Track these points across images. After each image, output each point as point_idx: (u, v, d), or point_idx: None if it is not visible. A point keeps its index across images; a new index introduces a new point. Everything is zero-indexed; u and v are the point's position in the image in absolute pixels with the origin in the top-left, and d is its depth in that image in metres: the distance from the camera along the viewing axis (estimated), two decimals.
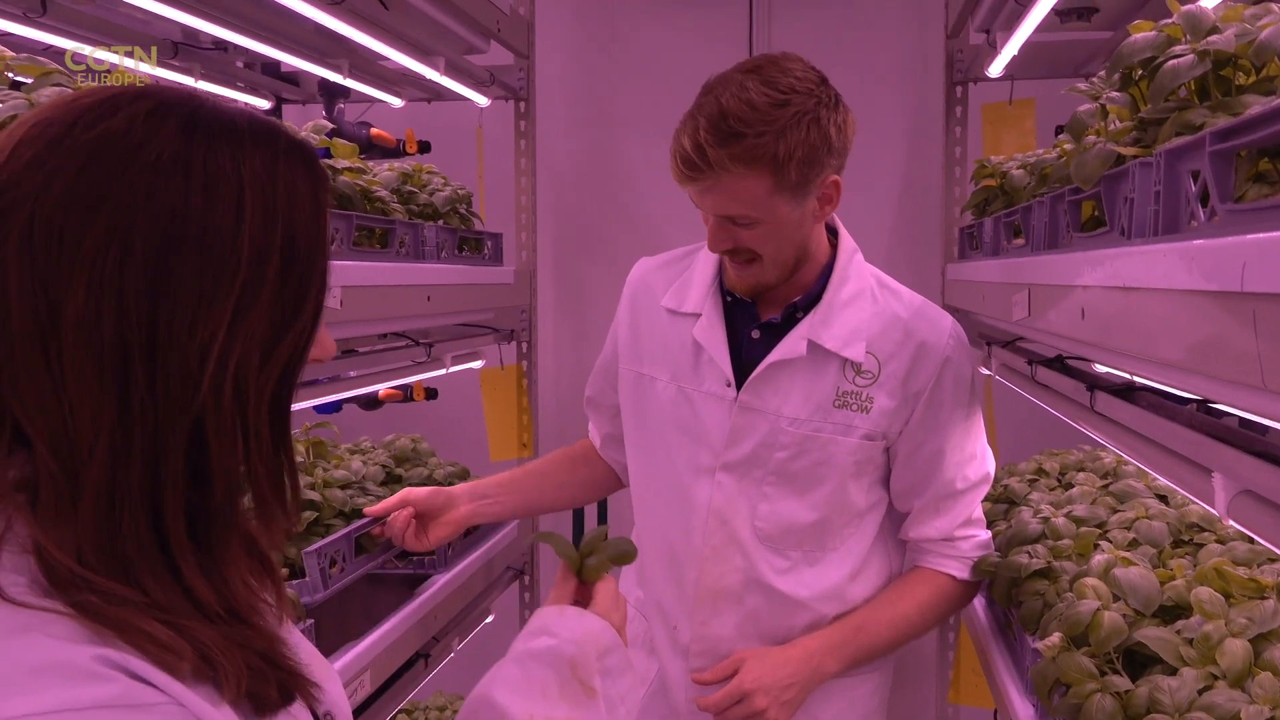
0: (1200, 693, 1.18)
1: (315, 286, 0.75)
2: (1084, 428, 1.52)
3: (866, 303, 1.58)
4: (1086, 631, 1.32)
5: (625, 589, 1.78)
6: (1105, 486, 1.89)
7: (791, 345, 1.55)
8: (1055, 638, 1.33)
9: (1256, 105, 0.95)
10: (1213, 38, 1.06)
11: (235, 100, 2.49)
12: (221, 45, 2.50)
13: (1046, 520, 1.70)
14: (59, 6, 1.97)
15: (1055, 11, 2.00)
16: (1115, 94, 1.29)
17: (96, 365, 0.66)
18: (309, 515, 1.76)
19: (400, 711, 2.75)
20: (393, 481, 2.13)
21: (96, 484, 0.66)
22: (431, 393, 3.13)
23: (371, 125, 2.95)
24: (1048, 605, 1.49)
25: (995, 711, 1.87)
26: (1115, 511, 1.73)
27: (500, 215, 3.03)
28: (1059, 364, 1.73)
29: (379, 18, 2.18)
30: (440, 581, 2.09)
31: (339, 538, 1.67)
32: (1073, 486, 1.94)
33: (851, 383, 1.56)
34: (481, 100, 2.96)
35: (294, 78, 3.00)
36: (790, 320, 1.58)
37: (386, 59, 2.46)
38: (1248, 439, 1.01)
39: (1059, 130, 2.47)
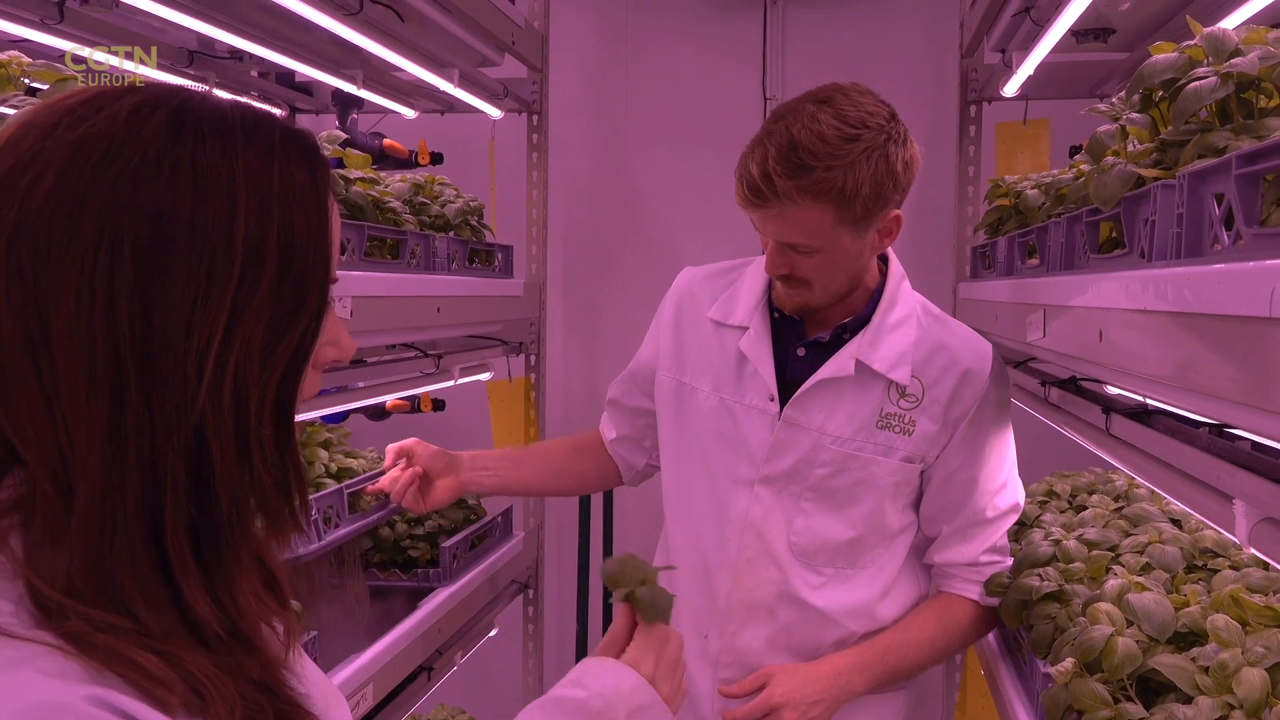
0: None
1: (317, 285, 0.71)
2: (1100, 451, 1.51)
3: (913, 328, 1.59)
4: (1100, 657, 1.30)
5: None
6: (1118, 509, 1.87)
7: (840, 364, 1.56)
8: (1068, 663, 1.31)
9: None
10: (1236, 60, 1.06)
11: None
12: (237, 54, 2.51)
13: (1058, 543, 1.68)
14: (76, 14, 1.97)
15: (1072, 32, 2.00)
16: (1135, 115, 1.28)
17: (89, 375, 0.64)
18: None
19: None
20: None
21: (89, 500, 0.64)
22: (439, 404, 3.11)
23: (384, 136, 2.95)
24: (1059, 629, 1.47)
25: None
26: (1128, 535, 1.71)
27: (511, 227, 3.03)
28: (1072, 385, 1.72)
29: (395, 29, 2.19)
30: (444, 594, 2.09)
31: (331, 492, 1.67)
32: (1084, 509, 1.92)
33: (895, 405, 1.57)
34: (494, 112, 2.96)
35: (308, 88, 3.00)
36: (838, 340, 1.59)
37: (401, 70, 2.46)
38: (1269, 465, 1.00)
39: (1074, 150, 2.47)
